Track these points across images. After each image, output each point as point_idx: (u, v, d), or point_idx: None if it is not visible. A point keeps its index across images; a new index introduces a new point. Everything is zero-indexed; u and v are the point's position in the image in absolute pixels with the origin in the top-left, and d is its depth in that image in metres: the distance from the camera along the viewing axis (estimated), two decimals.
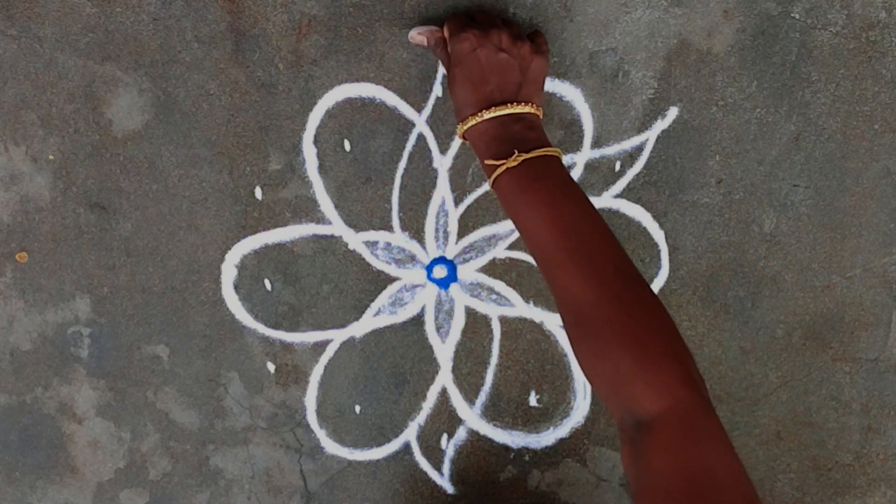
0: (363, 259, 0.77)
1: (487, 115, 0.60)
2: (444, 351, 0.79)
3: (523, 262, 0.77)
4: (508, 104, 0.60)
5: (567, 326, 0.56)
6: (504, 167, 0.58)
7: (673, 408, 0.50)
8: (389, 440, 0.81)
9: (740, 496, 0.48)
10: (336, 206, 0.75)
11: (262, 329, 0.78)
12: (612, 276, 0.55)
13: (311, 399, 0.79)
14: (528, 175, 0.58)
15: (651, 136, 0.75)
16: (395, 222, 0.76)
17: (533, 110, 0.62)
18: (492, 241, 0.77)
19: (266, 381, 0.79)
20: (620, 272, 0.55)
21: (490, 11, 0.68)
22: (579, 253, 0.55)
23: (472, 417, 0.81)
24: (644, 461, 0.50)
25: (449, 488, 0.82)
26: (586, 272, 0.55)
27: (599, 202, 0.76)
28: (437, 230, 0.77)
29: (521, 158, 0.58)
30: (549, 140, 0.62)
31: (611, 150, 0.75)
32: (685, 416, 0.50)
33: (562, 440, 0.81)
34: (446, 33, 0.65)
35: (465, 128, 0.62)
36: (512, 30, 0.63)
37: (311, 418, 0.80)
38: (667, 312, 0.55)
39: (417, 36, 0.67)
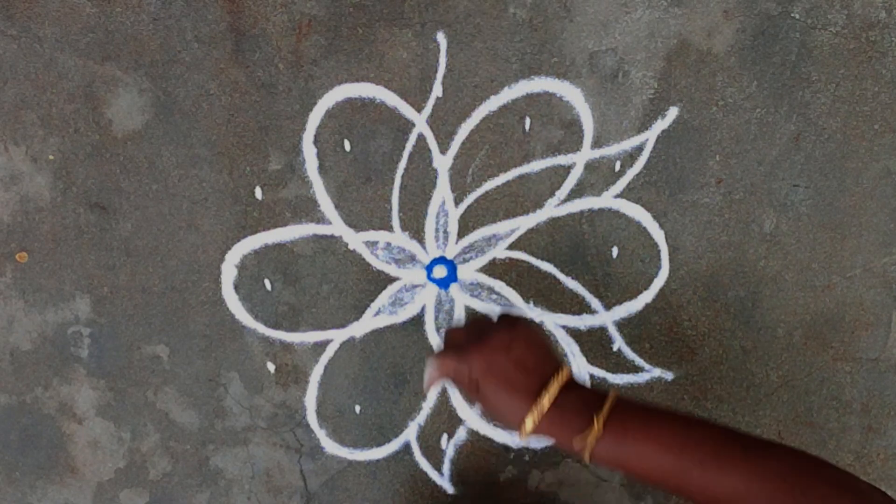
0: (363, 259, 0.77)
1: (546, 403, 0.56)
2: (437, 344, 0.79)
3: (523, 262, 0.77)
4: (546, 388, 0.56)
5: None
6: (595, 437, 0.54)
7: None
8: (389, 440, 0.81)
9: None
10: (336, 206, 0.75)
11: (262, 329, 0.78)
12: (743, 457, 0.52)
13: (311, 399, 0.79)
14: (617, 431, 0.54)
15: (651, 136, 0.75)
16: (395, 222, 0.76)
17: (561, 377, 0.57)
18: (492, 241, 0.77)
19: (266, 381, 0.79)
20: (752, 448, 0.52)
21: (456, 326, 0.64)
22: (706, 456, 0.52)
23: (472, 417, 0.81)
24: None
25: (449, 488, 0.82)
26: (721, 467, 0.52)
27: (599, 202, 0.76)
28: (437, 230, 0.76)
29: (602, 421, 0.54)
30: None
31: (611, 150, 0.75)
32: None
33: None
34: (442, 378, 0.60)
35: (529, 431, 0.57)
36: (484, 324, 0.60)
37: (311, 418, 0.80)
38: (806, 455, 0.53)
39: (432, 388, 0.62)
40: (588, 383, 0.80)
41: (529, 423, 0.56)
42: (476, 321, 0.61)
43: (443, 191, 0.76)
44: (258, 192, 0.74)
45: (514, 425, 0.57)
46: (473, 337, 0.59)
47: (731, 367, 0.80)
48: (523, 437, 0.56)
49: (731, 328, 0.79)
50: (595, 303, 0.78)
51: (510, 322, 0.59)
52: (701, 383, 0.80)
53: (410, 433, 0.81)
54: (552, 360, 0.57)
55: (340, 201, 0.75)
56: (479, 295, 0.78)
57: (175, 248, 0.75)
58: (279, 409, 0.79)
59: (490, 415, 0.58)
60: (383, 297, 0.78)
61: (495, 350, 0.57)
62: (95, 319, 0.76)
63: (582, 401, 0.55)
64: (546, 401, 0.55)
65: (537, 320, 0.79)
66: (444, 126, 0.74)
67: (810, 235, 0.78)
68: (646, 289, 0.78)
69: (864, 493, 0.53)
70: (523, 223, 0.77)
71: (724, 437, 0.53)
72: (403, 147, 0.74)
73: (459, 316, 0.78)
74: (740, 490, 0.52)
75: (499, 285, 0.78)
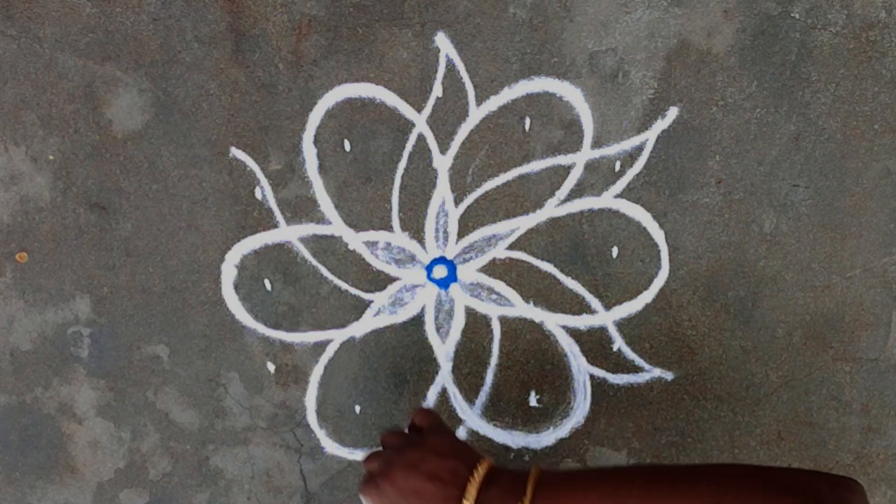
0: (363, 259, 0.77)
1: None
2: (444, 351, 0.79)
3: (523, 262, 0.77)
4: (465, 496, 0.56)
5: None
6: None
7: None
8: None
9: None
10: (336, 206, 0.75)
11: (262, 329, 0.78)
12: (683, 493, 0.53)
13: (311, 399, 0.79)
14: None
15: (651, 136, 0.75)
16: (395, 222, 0.76)
17: (478, 476, 0.57)
18: (492, 241, 0.77)
19: (266, 381, 0.79)
20: (684, 480, 0.53)
21: (383, 442, 0.64)
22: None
23: (472, 417, 0.81)
24: None
25: None
26: None
27: (599, 202, 0.76)
28: (437, 230, 0.76)
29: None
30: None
31: (611, 150, 0.75)
32: None
33: (562, 440, 0.81)
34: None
35: None
36: (408, 435, 0.61)
37: (311, 418, 0.80)
38: (740, 466, 0.54)
39: None
40: (588, 383, 0.80)
41: None
42: (392, 437, 0.62)
43: (443, 191, 0.76)
44: (258, 192, 0.74)
45: None
46: (389, 458, 0.59)
47: (731, 367, 0.80)
48: None
49: (731, 328, 0.79)
50: (595, 303, 0.78)
51: (416, 435, 0.60)
52: (701, 383, 0.80)
53: None
54: (467, 459, 0.57)
55: (340, 201, 0.75)
56: (479, 295, 0.78)
57: (175, 248, 0.75)
58: (279, 409, 0.79)
59: None
60: (383, 297, 0.78)
61: (407, 472, 0.58)
62: (95, 319, 0.76)
63: (505, 491, 0.55)
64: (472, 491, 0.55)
65: (537, 321, 0.79)
66: (444, 126, 0.74)
67: (810, 235, 0.78)
68: (646, 289, 0.78)
69: (815, 493, 0.51)
70: (523, 223, 0.77)
71: (652, 476, 0.54)
72: (403, 147, 0.74)
73: (459, 316, 0.78)
74: None
75: (499, 285, 0.78)
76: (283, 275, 0.76)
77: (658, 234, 0.77)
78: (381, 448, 0.63)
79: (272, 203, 0.75)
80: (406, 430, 0.64)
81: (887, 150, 0.76)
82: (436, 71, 0.72)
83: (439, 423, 0.62)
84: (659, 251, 0.77)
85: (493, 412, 0.81)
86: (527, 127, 0.74)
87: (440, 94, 0.73)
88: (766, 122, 0.75)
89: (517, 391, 0.80)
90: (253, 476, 0.81)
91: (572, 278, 0.78)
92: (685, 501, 0.52)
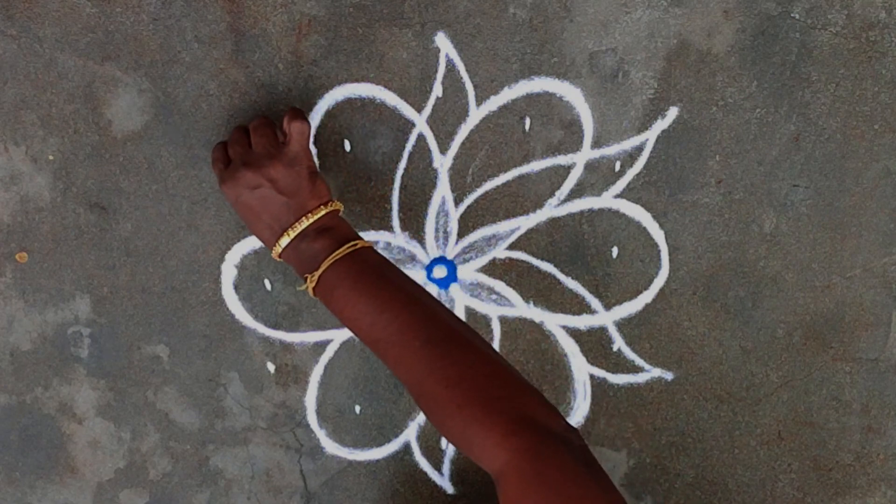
0: None
1: (283, 243, 0.62)
2: None
3: (523, 262, 0.77)
4: (289, 228, 0.61)
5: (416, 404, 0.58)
6: (310, 285, 0.61)
7: (510, 460, 0.50)
8: (389, 440, 0.81)
9: None
10: None
11: (262, 329, 0.78)
12: (421, 349, 0.55)
13: (311, 399, 0.79)
14: (334, 278, 0.60)
15: (651, 136, 0.75)
16: (395, 222, 0.76)
17: (321, 212, 0.62)
18: (492, 241, 0.77)
19: (266, 381, 0.79)
20: (432, 342, 0.56)
21: (240, 127, 0.68)
22: (390, 339, 0.57)
23: None
24: None
25: (449, 488, 0.82)
26: (400, 353, 0.56)
27: (599, 202, 0.76)
28: (437, 230, 0.76)
29: (315, 277, 0.60)
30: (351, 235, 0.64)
31: (611, 150, 0.75)
32: (521, 464, 0.50)
33: None
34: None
35: (276, 257, 0.64)
36: (262, 140, 0.64)
37: (311, 418, 0.80)
38: (492, 358, 0.56)
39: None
40: (588, 384, 0.80)
41: (277, 250, 0.62)
42: (254, 135, 0.65)
43: (443, 191, 0.76)
44: None
45: (267, 245, 0.64)
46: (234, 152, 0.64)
47: (731, 367, 0.80)
48: (275, 257, 0.63)
49: (731, 328, 0.79)
50: (595, 303, 0.78)
51: (275, 146, 0.63)
52: (701, 383, 0.80)
53: (410, 433, 0.81)
54: (298, 205, 0.61)
55: (340, 201, 0.75)
56: (479, 295, 0.78)
57: (175, 248, 0.75)
58: (279, 409, 0.79)
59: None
60: None
61: (241, 189, 0.62)
62: (95, 319, 0.76)
63: (320, 247, 0.60)
64: (284, 242, 0.61)
65: (537, 321, 0.79)
66: (444, 126, 0.74)
67: (810, 235, 0.78)
68: (646, 289, 0.78)
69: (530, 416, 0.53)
70: (523, 223, 0.77)
71: (408, 328, 0.56)
72: (403, 147, 0.74)
73: (460, 316, 0.78)
74: (412, 381, 0.56)
75: (499, 285, 0.78)
76: (283, 275, 0.76)
77: (658, 234, 0.77)
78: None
79: None
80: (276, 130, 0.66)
81: (887, 150, 0.76)
82: (436, 71, 0.72)
83: (302, 145, 0.64)
84: (659, 251, 0.77)
85: None
86: (527, 127, 0.74)
87: (440, 94, 0.73)
88: (766, 122, 0.75)
89: None
90: (253, 476, 0.81)
91: (572, 278, 0.78)
92: (422, 374, 0.55)
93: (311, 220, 0.61)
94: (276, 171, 0.61)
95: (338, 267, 0.59)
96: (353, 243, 0.61)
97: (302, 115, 0.65)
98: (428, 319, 0.57)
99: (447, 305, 0.78)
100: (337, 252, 0.60)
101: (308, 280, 0.60)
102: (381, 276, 0.60)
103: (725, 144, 0.75)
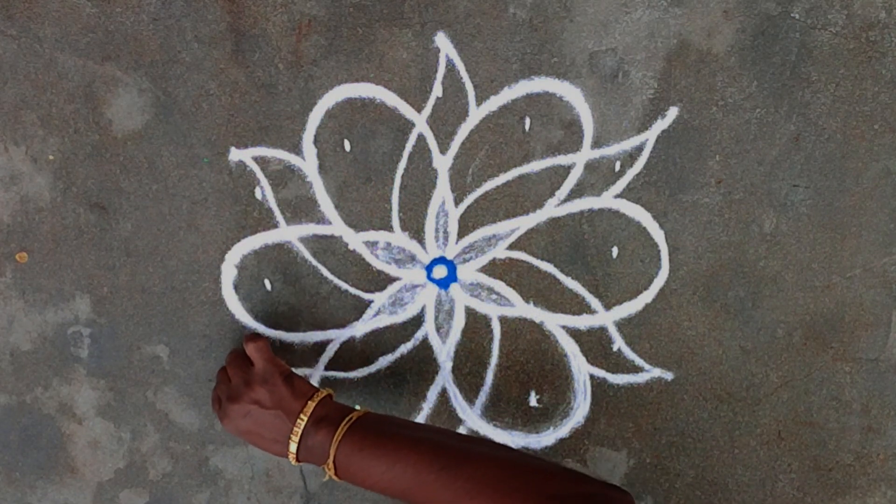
0: (363, 259, 0.77)
1: (293, 450, 0.65)
2: (444, 351, 0.79)
3: (523, 262, 0.77)
4: (291, 435, 0.65)
5: None
6: (330, 474, 0.64)
7: None
8: None
9: None
10: (336, 206, 0.75)
11: (262, 329, 0.78)
12: (437, 479, 0.59)
13: None
14: (345, 457, 0.63)
15: (651, 136, 0.75)
16: (395, 222, 0.76)
17: (311, 407, 0.65)
18: (492, 241, 0.77)
19: None
20: (446, 469, 0.59)
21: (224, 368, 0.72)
22: (410, 484, 0.60)
23: (472, 417, 0.81)
24: None
25: None
26: (424, 493, 0.59)
27: (599, 202, 0.76)
28: (437, 230, 0.77)
29: (330, 464, 0.63)
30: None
31: (611, 150, 0.75)
32: None
33: (562, 440, 0.81)
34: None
35: (295, 462, 0.66)
36: (236, 372, 0.69)
37: None
38: (505, 459, 0.59)
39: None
40: (588, 384, 0.80)
41: (292, 457, 0.66)
42: (230, 371, 0.70)
43: (443, 191, 0.76)
44: (258, 192, 0.74)
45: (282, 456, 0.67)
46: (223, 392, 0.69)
47: (731, 367, 0.80)
48: (295, 464, 0.67)
49: (731, 328, 0.79)
50: (595, 303, 0.78)
51: (247, 372, 0.68)
52: (701, 383, 0.80)
53: None
54: (290, 410, 0.65)
55: (340, 201, 0.75)
56: (479, 295, 0.78)
57: (175, 248, 0.75)
58: None
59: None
60: (383, 297, 0.78)
61: (237, 419, 0.67)
62: (95, 319, 0.76)
63: (322, 437, 0.64)
64: (293, 447, 0.65)
65: (537, 321, 0.79)
66: (444, 126, 0.74)
67: (810, 235, 0.78)
68: (646, 289, 0.78)
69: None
70: (523, 223, 0.77)
71: (421, 467, 0.59)
72: (403, 147, 0.74)
73: (460, 316, 0.78)
74: None
75: (499, 285, 0.78)
76: (283, 275, 0.76)
77: (658, 234, 0.77)
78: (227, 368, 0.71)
79: (272, 203, 0.75)
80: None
81: (887, 150, 0.76)
82: (436, 71, 0.72)
83: (266, 360, 0.69)
84: (659, 251, 0.77)
85: (493, 412, 0.81)
86: (527, 127, 0.74)
87: (440, 94, 0.73)
88: (766, 122, 0.75)
89: (517, 391, 0.80)
90: (253, 476, 0.81)
91: (572, 278, 0.78)
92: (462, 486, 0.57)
93: (306, 419, 0.65)
94: (255, 394, 0.66)
95: (344, 446, 0.63)
96: (347, 418, 0.64)
97: (255, 335, 0.71)
98: (436, 451, 0.60)
99: (447, 306, 0.78)
100: (337, 434, 0.63)
101: (327, 470, 0.64)
102: (382, 434, 0.63)
103: (725, 144, 0.75)
